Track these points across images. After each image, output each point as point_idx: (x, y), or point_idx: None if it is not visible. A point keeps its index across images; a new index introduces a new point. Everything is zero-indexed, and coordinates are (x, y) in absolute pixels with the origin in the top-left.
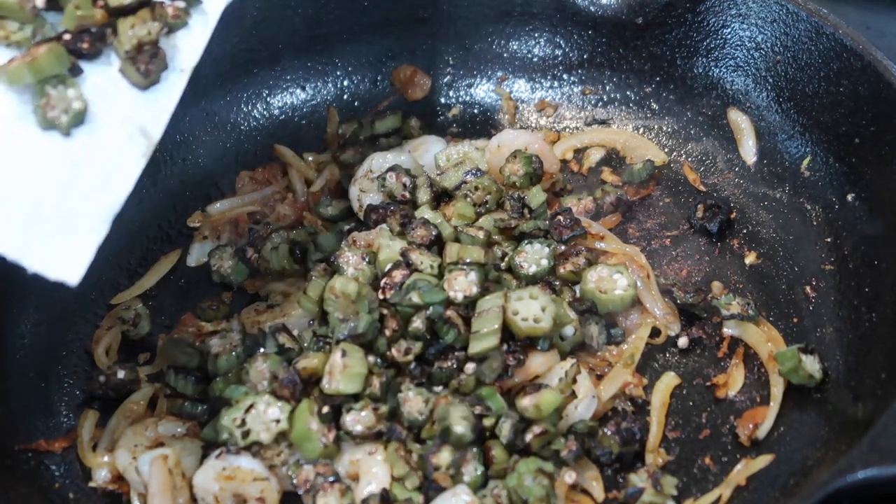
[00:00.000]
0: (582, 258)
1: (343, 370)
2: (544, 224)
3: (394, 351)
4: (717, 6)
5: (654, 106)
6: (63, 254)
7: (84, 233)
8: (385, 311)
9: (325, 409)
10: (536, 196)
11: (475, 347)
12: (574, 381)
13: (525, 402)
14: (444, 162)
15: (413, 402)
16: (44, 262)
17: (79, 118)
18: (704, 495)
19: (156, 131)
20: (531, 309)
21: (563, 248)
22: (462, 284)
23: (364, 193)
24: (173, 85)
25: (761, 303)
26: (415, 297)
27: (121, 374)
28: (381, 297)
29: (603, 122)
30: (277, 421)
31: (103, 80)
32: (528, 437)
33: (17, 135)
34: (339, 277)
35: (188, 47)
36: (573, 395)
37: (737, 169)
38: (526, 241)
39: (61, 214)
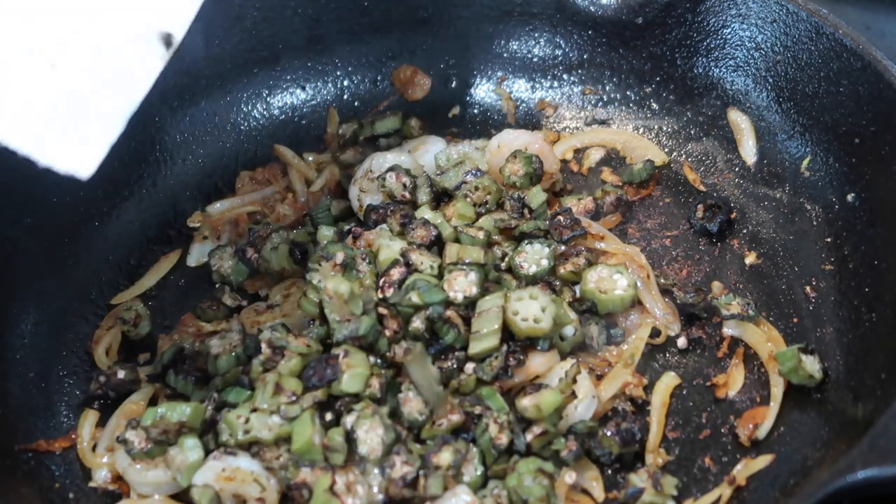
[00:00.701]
0: (582, 258)
1: (346, 370)
2: (544, 224)
3: (395, 350)
4: (717, 6)
5: (654, 106)
6: (76, 145)
7: (99, 126)
8: (385, 312)
9: (329, 416)
10: (536, 196)
11: (475, 347)
12: (574, 381)
13: (525, 402)
14: (444, 162)
15: (413, 402)
16: (55, 154)
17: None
18: (704, 495)
19: (177, 34)
20: (531, 309)
21: (563, 248)
22: (462, 284)
23: (364, 193)
24: None
25: (761, 303)
26: (414, 298)
27: (121, 374)
28: (380, 296)
29: (603, 122)
30: (280, 424)
31: None
32: (529, 437)
33: (32, 33)
34: (332, 278)
35: None
36: (573, 395)
37: (737, 169)
38: (526, 242)
39: (74, 112)
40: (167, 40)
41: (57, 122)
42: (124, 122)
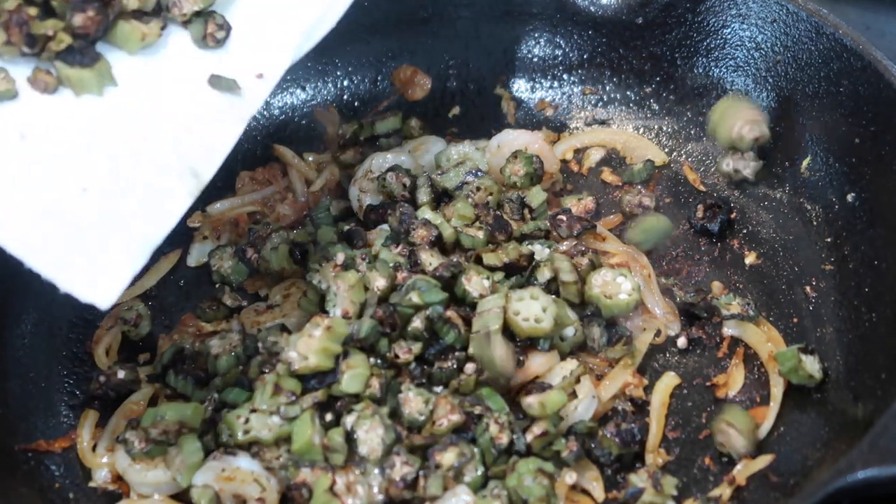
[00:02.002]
0: (586, 259)
1: (346, 370)
2: (545, 225)
3: (395, 350)
4: (717, 6)
5: (654, 106)
6: (98, 277)
7: (122, 259)
8: (384, 312)
9: (329, 417)
10: (537, 196)
11: (475, 348)
12: (578, 380)
13: (530, 400)
14: (445, 162)
15: (413, 402)
16: (78, 284)
17: None
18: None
19: (206, 172)
20: (532, 309)
21: (563, 247)
22: (478, 285)
23: (364, 193)
24: (228, 129)
25: (761, 303)
26: (414, 298)
27: (121, 374)
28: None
29: (603, 122)
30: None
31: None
32: (529, 437)
33: (67, 157)
34: (346, 273)
35: (248, 98)
36: (573, 394)
37: None
38: (527, 243)
39: (100, 240)
40: (197, 176)
41: (82, 249)
42: (148, 254)
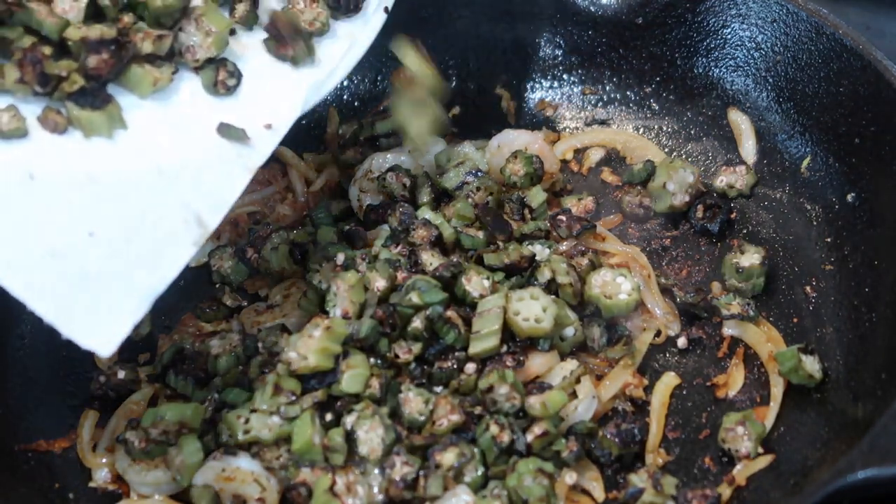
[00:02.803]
0: (586, 259)
1: (346, 370)
2: (545, 225)
3: (395, 350)
4: (717, 6)
5: (655, 106)
6: (100, 326)
7: (124, 308)
8: (384, 312)
9: (329, 416)
10: (537, 196)
11: (475, 348)
12: (578, 381)
13: (532, 400)
14: (445, 162)
15: (413, 402)
16: (79, 330)
17: None
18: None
19: (212, 221)
20: (533, 309)
21: (563, 247)
22: (478, 285)
23: (364, 193)
24: (235, 178)
25: (761, 303)
26: (414, 298)
27: (121, 374)
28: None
29: (603, 122)
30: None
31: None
32: (529, 437)
33: (75, 199)
34: (346, 273)
35: (256, 148)
36: (574, 394)
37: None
38: (527, 243)
39: (104, 286)
40: (203, 225)
41: (85, 296)
42: (150, 302)
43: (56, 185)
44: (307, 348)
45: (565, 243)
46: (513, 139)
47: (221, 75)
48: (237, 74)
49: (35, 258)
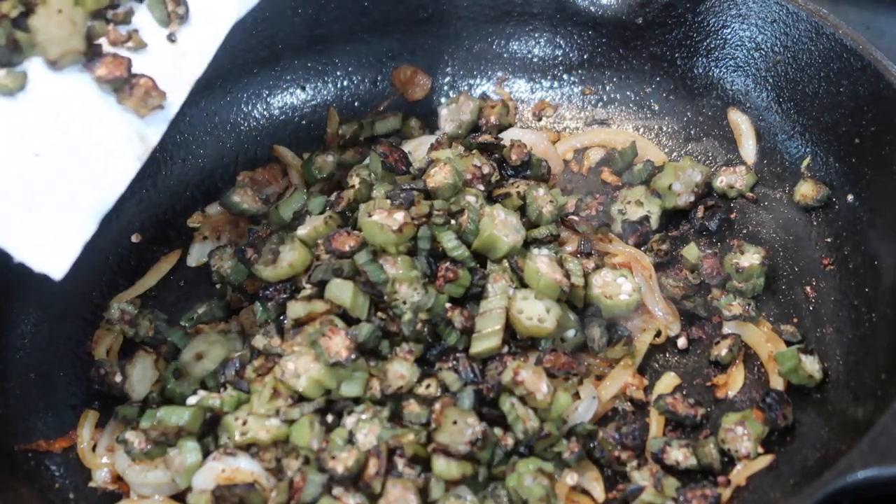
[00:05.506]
0: (591, 262)
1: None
2: (555, 229)
3: (396, 352)
4: (717, 6)
5: (655, 106)
6: (50, 246)
7: (73, 228)
8: (385, 316)
9: (330, 418)
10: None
11: (477, 347)
12: (581, 382)
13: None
14: None
15: (413, 403)
16: (30, 253)
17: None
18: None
19: (153, 137)
20: (536, 309)
21: (569, 249)
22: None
23: None
24: (176, 90)
25: (761, 303)
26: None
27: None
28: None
29: (603, 122)
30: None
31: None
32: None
33: (14, 120)
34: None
35: (191, 61)
36: (576, 395)
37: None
38: (534, 247)
39: (52, 206)
40: (144, 140)
41: (35, 217)
42: (97, 221)
43: (2, 108)
44: (305, 370)
45: (570, 245)
46: (518, 138)
47: (170, 6)
48: (184, 2)
49: None
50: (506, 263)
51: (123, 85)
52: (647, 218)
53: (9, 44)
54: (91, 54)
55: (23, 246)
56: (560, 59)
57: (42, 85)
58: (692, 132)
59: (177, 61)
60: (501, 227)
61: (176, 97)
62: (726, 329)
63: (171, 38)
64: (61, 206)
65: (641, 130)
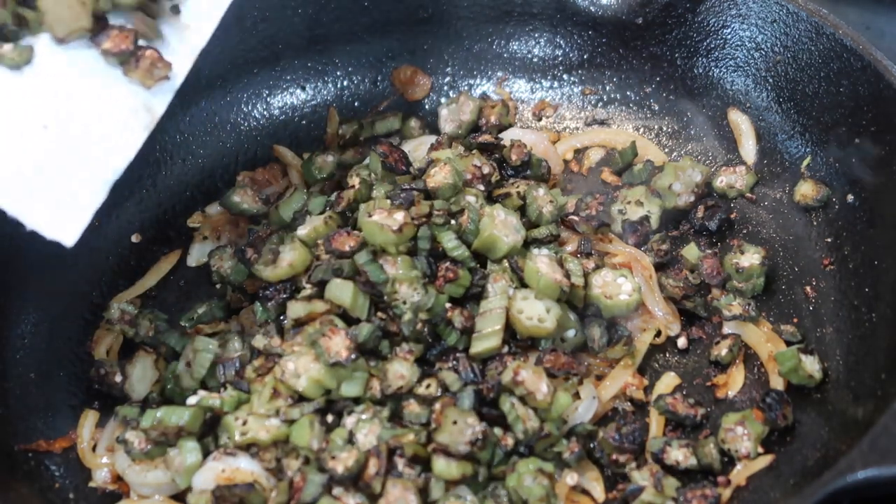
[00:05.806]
0: (591, 262)
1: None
2: (556, 229)
3: (396, 352)
4: (717, 6)
5: (655, 106)
6: (61, 213)
7: (83, 195)
8: (385, 316)
9: (330, 418)
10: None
11: (477, 347)
12: (581, 382)
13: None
14: None
15: (413, 403)
16: (42, 220)
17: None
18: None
19: (159, 107)
20: (536, 309)
21: (569, 248)
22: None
23: None
24: (180, 62)
25: (761, 303)
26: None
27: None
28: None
29: (603, 122)
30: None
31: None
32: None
33: (21, 93)
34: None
35: (195, 31)
36: (576, 395)
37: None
38: (534, 247)
39: (62, 174)
40: (150, 110)
41: (45, 185)
42: (107, 189)
43: (7, 81)
44: (305, 370)
45: (570, 245)
46: (518, 138)
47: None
48: None
49: None
50: (506, 263)
51: (129, 57)
52: (647, 218)
53: (14, 21)
54: (97, 29)
55: (34, 213)
56: (560, 59)
57: (48, 59)
58: (692, 132)
59: (181, 32)
60: (501, 227)
61: (181, 67)
62: (726, 329)
63: (175, 10)
64: (71, 174)
65: (641, 130)
